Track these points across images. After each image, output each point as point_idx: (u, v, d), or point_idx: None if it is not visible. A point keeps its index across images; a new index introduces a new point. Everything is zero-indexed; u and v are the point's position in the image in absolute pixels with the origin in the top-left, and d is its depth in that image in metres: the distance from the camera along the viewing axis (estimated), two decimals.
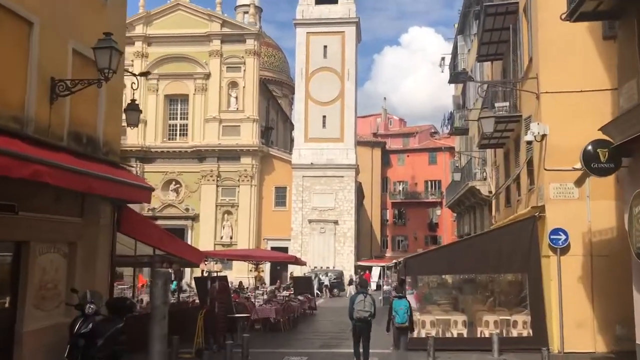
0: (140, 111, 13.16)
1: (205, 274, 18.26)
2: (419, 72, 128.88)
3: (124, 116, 12.72)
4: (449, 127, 29.78)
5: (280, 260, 25.76)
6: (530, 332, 13.20)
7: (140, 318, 11.94)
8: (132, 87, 12.99)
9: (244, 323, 16.25)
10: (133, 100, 13.00)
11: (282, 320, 17.38)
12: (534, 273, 13.07)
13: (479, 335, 13.79)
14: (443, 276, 18.39)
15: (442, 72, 29.63)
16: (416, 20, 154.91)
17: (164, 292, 7.99)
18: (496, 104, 16.28)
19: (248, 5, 55.36)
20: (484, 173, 23.83)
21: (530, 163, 14.37)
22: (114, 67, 9.45)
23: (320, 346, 14.52)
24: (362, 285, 12.45)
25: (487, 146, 20.06)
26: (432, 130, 71.83)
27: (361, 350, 11.11)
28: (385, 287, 28.00)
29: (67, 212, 9.99)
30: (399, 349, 11.65)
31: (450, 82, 31.69)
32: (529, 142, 13.00)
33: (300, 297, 22.76)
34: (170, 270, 25.94)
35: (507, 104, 16.38)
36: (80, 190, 8.86)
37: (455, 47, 30.73)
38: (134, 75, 13.28)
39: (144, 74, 13.22)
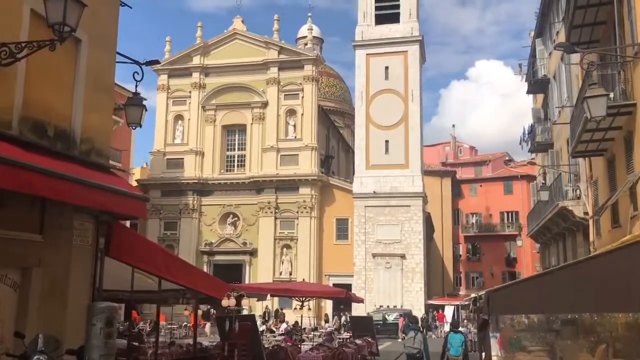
0: (145, 107, 10.62)
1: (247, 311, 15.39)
2: (488, 106, 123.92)
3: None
4: (528, 143, 25.91)
5: (329, 296, 22.51)
6: None
7: None
8: (134, 78, 10.50)
9: None
10: (136, 93, 10.50)
11: None
12: None
13: None
14: (536, 315, 14.72)
15: (521, 80, 26.02)
16: (483, 54, 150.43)
17: (107, 339, 5.06)
18: None
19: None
20: (577, 191, 19.84)
21: None
22: (72, 24, 6.89)
23: None
24: (412, 322, 13.23)
25: (583, 154, 16.28)
26: (506, 158, 66.93)
27: None
28: (463, 329, 24.13)
29: (16, 226, 7.37)
30: None
31: (528, 92, 27.95)
32: None
33: (358, 341, 19.35)
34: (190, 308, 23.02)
35: (612, 94, 12.74)
36: (10, 188, 6.22)
37: (532, 54, 27.08)
38: (138, 64, 10.80)
39: (151, 63, 10.64)
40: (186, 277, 10.79)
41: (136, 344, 17.62)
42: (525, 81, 28.14)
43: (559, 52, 22.67)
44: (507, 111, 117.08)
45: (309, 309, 33.97)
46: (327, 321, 37.92)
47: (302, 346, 16.91)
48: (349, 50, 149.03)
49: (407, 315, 32.22)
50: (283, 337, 22.34)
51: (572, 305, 10.00)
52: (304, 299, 17.85)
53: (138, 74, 10.61)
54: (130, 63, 10.94)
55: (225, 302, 11.17)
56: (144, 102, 10.75)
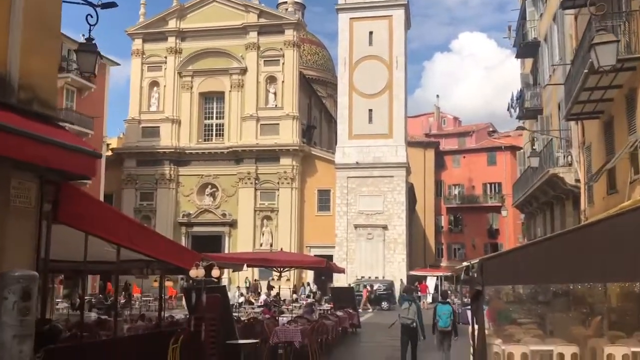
0: (98, 54, 9.42)
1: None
2: (471, 78, 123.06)
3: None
4: (517, 109, 25.04)
5: (309, 266, 21.67)
6: None
7: (78, 349, 8.06)
8: (87, 21, 9.29)
9: (257, 348, 12.23)
10: (89, 39, 9.29)
11: (310, 344, 13.25)
12: None
13: None
14: (522, 286, 14.30)
15: (512, 45, 25.09)
16: (467, 26, 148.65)
17: (22, 315, 4.01)
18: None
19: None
20: (569, 157, 19.05)
21: None
22: None
23: None
24: (407, 292, 13.29)
25: (578, 116, 15.41)
26: (490, 129, 66.31)
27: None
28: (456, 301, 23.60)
29: None
30: (443, 351, 11.91)
31: (518, 56, 26.97)
32: None
33: (339, 313, 18.58)
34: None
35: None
36: None
37: (522, 16, 25.99)
38: (92, 5, 9.54)
39: (108, 6, 9.35)
40: (149, 246, 9.71)
41: (105, 317, 16.68)
42: (514, 46, 27.15)
43: (550, 13, 21.68)
44: (490, 83, 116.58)
45: (288, 279, 33.15)
46: (295, 292, 37.28)
47: (280, 318, 16.06)
48: (332, 20, 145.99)
49: (402, 286, 31.52)
50: (262, 309, 21.52)
51: (574, 274, 8.92)
52: (282, 269, 16.96)
53: (92, 17, 9.41)
54: (83, 4, 9.70)
55: (193, 272, 10.14)
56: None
